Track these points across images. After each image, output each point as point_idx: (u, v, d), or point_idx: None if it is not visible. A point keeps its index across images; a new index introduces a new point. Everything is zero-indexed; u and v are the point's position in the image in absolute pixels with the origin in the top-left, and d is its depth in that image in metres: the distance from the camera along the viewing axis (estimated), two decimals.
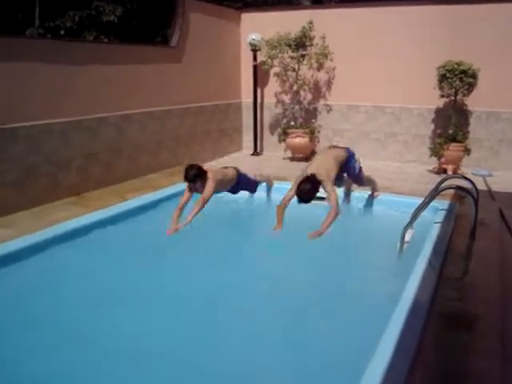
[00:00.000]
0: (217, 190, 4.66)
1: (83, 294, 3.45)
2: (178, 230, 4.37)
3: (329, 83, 8.93)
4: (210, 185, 4.51)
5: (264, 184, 5.79)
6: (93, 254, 4.07)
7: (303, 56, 8.48)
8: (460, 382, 2.34)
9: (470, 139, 7.67)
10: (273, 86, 9.33)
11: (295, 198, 4.38)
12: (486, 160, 7.91)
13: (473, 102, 7.78)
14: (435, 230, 4.33)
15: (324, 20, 8.43)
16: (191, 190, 4.57)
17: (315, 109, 9.11)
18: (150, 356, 2.71)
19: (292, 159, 8.82)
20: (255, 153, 9.33)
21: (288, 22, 8.54)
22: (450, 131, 7.57)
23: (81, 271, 3.78)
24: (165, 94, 7.31)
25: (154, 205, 5.26)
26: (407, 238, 4.19)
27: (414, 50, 8.01)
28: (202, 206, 4.46)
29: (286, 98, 9.27)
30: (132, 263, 3.92)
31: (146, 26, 10.73)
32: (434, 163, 7.90)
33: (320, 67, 8.81)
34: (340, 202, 4.65)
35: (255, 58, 8.93)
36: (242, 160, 8.87)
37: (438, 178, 5.32)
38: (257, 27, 8.83)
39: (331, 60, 8.43)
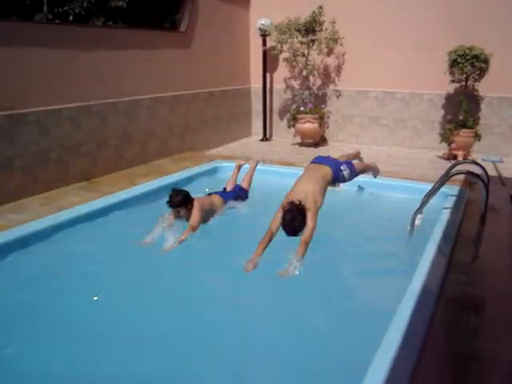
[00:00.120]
0: (203, 220, 4.26)
1: (92, 280, 3.47)
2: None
3: (338, 68, 8.88)
4: (196, 213, 4.15)
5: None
6: (101, 240, 4.09)
7: (313, 41, 8.43)
8: (470, 365, 2.36)
9: (480, 125, 7.61)
10: (282, 72, 9.29)
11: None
12: (497, 146, 7.85)
13: (484, 88, 7.72)
14: (445, 216, 4.31)
15: (334, 5, 8.35)
16: (175, 216, 4.15)
17: (324, 94, 9.06)
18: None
19: (301, 145, 8.81)
20: (264, 138, 9.32)
21: (298, 6, 8.48)
22: (461, 117, 7.51)
23: (91, 257, 3.79)
24: (174, 79, 7.30)
25: (163, 190, 5.26)
26: (417, 223, 4.20)
27: (424, 34, 7.93)
28: (187, 235, 4.07)
29: (296, 84, 9.23)
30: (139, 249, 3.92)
31: (155, 11, 10.67)
32: (444, 149, 7.87)
33: (330, 52, 8.77)
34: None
35: (264, 43, 8.89)
36: (251, 146, 8.87)
37: (448, 164, 5.30)
38: (266, 12, 8.77)
39: (341, 45, 8.38)
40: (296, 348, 2.73)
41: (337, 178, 4.25)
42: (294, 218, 3.56)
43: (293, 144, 8.97)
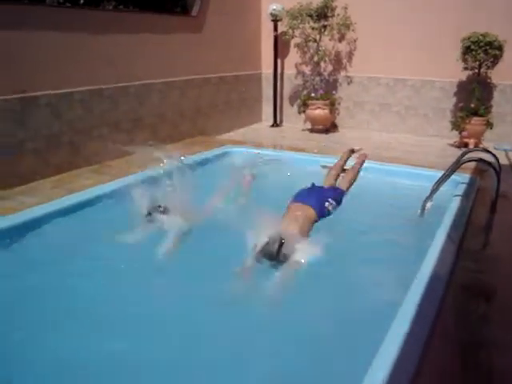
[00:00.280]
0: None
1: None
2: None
3: (350, 54, 8.83)
4: None
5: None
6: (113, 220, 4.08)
7: (325, 27, 8.37)
8: (479, 352, 2.37)
9: (492, 113, 7.55)
10: (293, 57, 9.25)
11: None
12: (509, 134, 7.78)
13: (497, 75, 7.64)
14: (455, 203, 4.30)
15: None
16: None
17: (335, 80, 9.02)
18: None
19: (311, 131, 8.79)
20: (274, 124, 9.31)
21: None
22: (472, 105, 7.46)
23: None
24: (185, 64, 7.29)
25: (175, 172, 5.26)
26: (427, 209, 4.20)
27: (437, 21, 7.85)
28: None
29: (307, 69, 9.19)
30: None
31: None
32: (455, 137, 7.82)
33: (341, 38, 8.71)
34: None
35: (276, 29, 8.84)
36: (261, 131, 8.87)
37: (459, 152, 5.27)
38: None
39: (353, 31, 8.32)
40: (302, 332, 2.74)
41: (322, 216, 3.92)
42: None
43: (303, 130, 8.95)
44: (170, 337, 2.68)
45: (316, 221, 3.86)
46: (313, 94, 8.72)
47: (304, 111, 8.74)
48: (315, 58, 8.75)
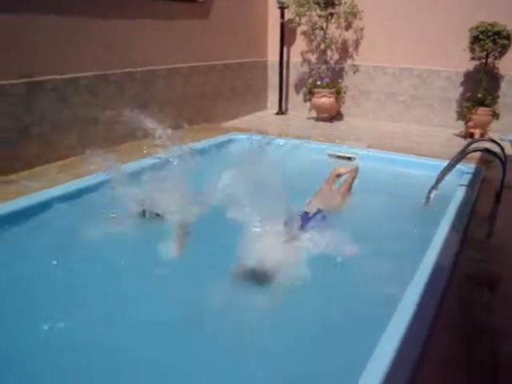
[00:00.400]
0: None
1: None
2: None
3: (356, 43, 8.79)
4: None
5: None
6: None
7: (332, 14, 8.32)
8: (483, 341, 2.38)
9: (499, 104, 7.52)
10: (299, 45, 9.21)
11: None
12: None
13: (505, 66, 7.60)
14: (460, 193, 4.30)
15: None
16: None
17: (342, 69, 8.99)
18: None
19: (317, 119, 8.77)
20: (280, 112, 9.29)
21: None
22: (479, 95, 7.43)
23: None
24: (191, 50, 7.26)
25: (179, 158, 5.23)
26: (432, 199, 4.21)
27: (445, 10, 7.80)
28: None
29: (313, 58, 9.15)
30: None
31: None
32: (460, 127, 7.80)
33: (348, 26, 8.67)
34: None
35: (282, 16, 8.79)
36: (266, 119, 8.86)
37: (465, 143, 5.26)
38: None
39: (360, 19, 8.27)
40: (307, 320, 2.76)
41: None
42: None
43: (308, 118, 8.93)
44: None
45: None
46: (319, 83, 8.69)
47: (310, 99, 8.72)
48: (321, 46, 8.70)
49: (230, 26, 8.11)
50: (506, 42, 7.10)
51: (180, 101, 7.10)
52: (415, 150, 6.00)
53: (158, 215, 3.70)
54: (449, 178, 4.36)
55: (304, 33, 8.89)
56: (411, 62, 8.34)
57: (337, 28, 8.57)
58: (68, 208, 3.94)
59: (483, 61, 7.45)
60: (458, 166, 4.43)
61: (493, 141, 4.64)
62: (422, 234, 3.72)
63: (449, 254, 3.12)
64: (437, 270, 2.89)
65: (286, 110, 9.51)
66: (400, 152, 5.70)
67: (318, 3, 8.21)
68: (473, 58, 7.50)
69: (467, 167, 4.97)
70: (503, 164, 4.13)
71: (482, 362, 2.21)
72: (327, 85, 8.58)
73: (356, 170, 4.79)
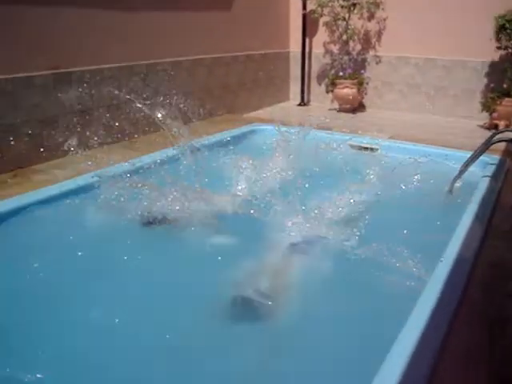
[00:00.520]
0: None
1: None
2: None
3: (379, 33, 8.73)
4: None
5: None
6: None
7: (354, 5, 8.28)
8: (507, 328, 2.39)
9: None
10: (322, 36, 9.19)
11: None
12: None
13: None
14: (484, 184, 4.28)
15: None
16: None
17: (364, 60, 8.95)
18: None
19: (339, 110, 8.76)
20: (302, 103, 9.29)
21: None
22: (505, 85, 7.34)
23: None
24: (213, 41, 7.31)
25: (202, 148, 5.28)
26: (455, 189, 4.20)
27: None
28: None
29: (335, 48, 9.13)
30: None
31: None
32: (485, 118, 7.72)
33: (371, 17, 8.61)
34: None
35: (305, 7, 8.78)
36: (288, 110, 8.87)
37: (489, 134, 5.22)
38: None
39: (383, 9, 8.22)
40: (329, 312, 2.79)
41: None
42: None
43: (330, 109, 8.92)
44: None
45: None
46: (341, 73, 8.67)
47: (332, 90, 8.70)
48: (344, 37, 8.67)
49: (252, 18, 8.13)
50: None
51: (202, 92, 7.15)
52: (438, 141, 5.96)
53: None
54: (472, 169, 4.34)
55: (326, 24, 8.86)
56: (435, 52, 8.27)
57: (359, 18, 8.53)
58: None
59: (509, 50, 7.35)
60: (482, 157, 4.40)
61: None
62: (446, 224, 3.72)
63: (472, 244, 3.13)
64: (460, 258, 2.90)
65: (309, 101, 9.51)
66: (423, 143, 5.67)
67: None
68: (498, 48, 7.40)
69: (491, 158, 4.93)
70: None
71: (504, 348, 2.23)
72: (349, 76, 8.56)
73: None
